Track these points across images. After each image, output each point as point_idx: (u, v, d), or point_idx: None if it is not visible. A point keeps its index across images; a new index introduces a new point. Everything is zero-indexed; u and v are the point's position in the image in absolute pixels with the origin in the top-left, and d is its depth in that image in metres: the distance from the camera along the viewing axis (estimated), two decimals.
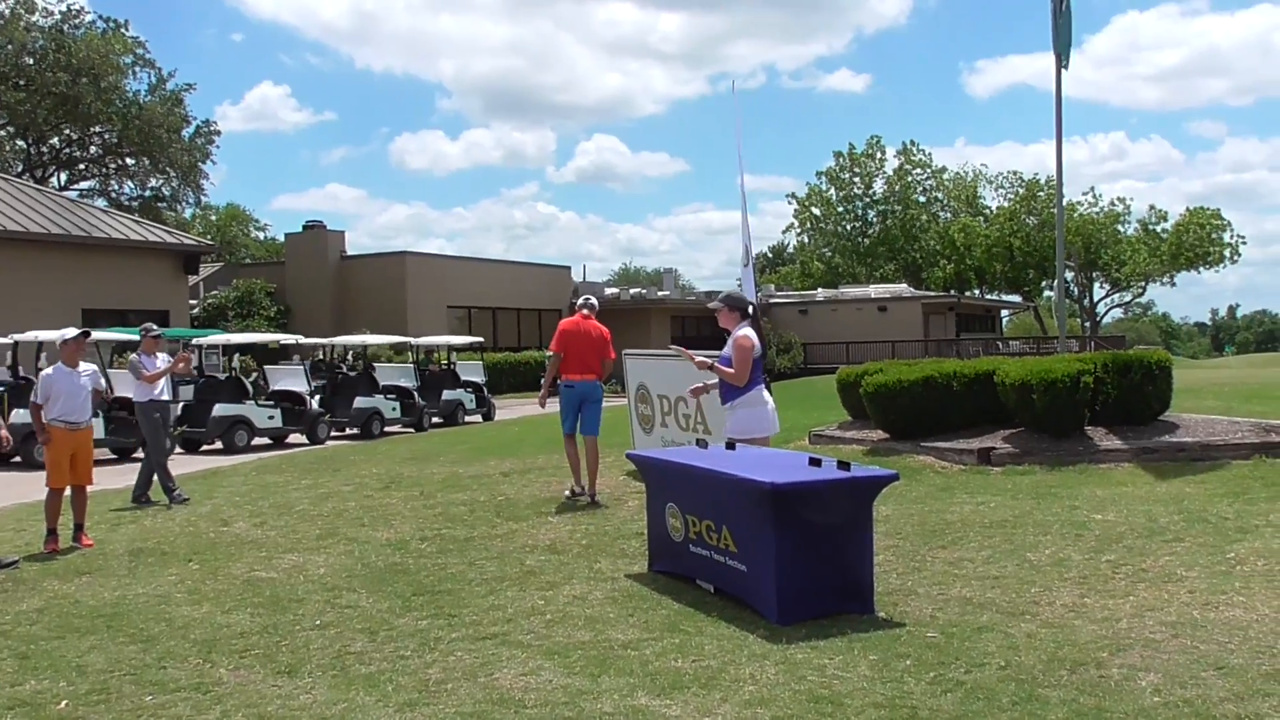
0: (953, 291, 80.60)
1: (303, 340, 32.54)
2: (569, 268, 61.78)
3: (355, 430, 28.27)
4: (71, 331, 11.97)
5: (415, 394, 30.14)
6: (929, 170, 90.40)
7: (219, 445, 24.25)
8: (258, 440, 25.28)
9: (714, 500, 8.39)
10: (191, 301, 43.98)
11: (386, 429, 28.77)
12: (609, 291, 62.60)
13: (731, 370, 9.96)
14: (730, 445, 9.70)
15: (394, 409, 29.28)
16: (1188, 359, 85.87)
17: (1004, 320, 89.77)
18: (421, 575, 9.60)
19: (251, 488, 15.69)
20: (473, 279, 52.55)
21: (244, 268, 61.95)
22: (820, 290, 73.65)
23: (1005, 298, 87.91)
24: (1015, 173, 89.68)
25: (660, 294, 64.14)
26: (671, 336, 58.09)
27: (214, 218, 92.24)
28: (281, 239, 65.79)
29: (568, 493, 13.30)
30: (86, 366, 12.28)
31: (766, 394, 10.20)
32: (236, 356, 27.66)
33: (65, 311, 31.98)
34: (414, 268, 50.10)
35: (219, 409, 24.10)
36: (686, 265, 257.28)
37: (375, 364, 33.37)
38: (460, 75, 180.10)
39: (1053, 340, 56.06)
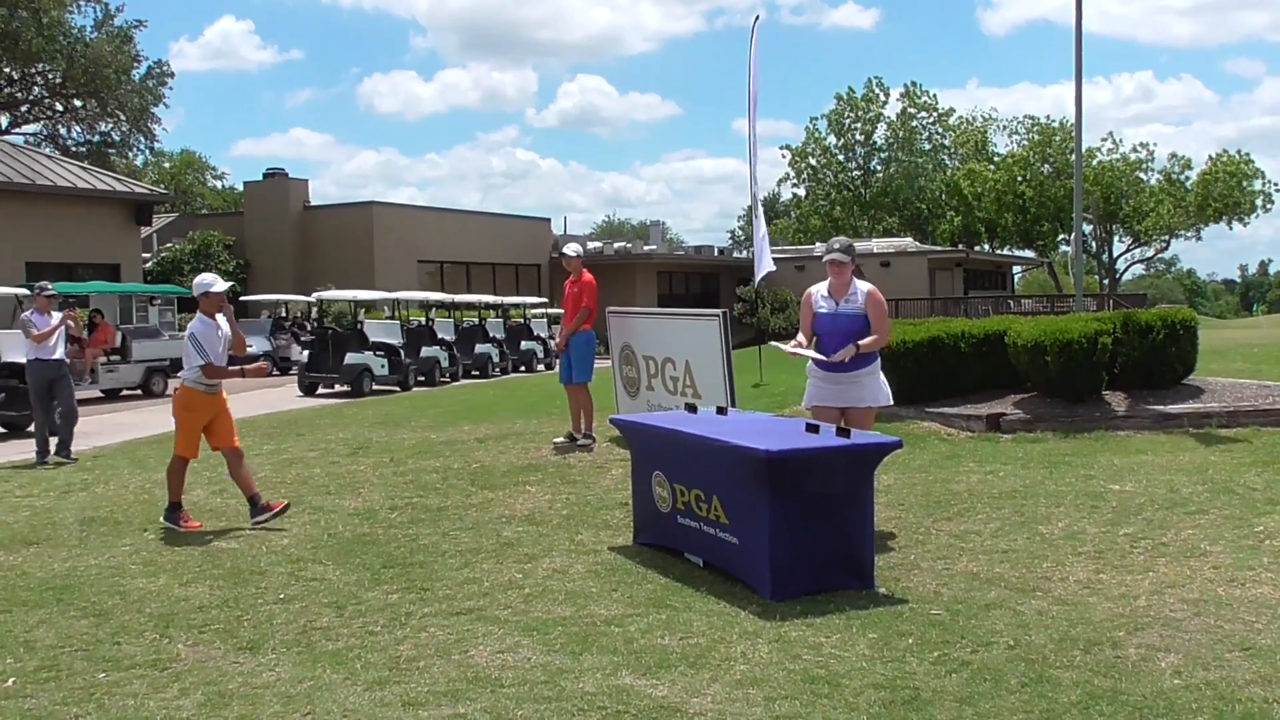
0: (961, 246, 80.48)
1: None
2: (548, 220, 61.80)
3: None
4: (220, 285, 11.08)
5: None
6: (935, 114, 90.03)
7: None
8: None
9: (704, 468, 8.42)
10: (144, 254, 43.81)
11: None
12: (592, 245, 62.55)
13: (877, 336, 9.18)
14: (722, 411, 9.72)
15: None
16: (1214, 318, 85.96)
17: (1016, 277, 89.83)
18: (392, 547, 9.63)
19: (209, 453, 15.65)
20: (445, 231, 52.41)
21: (200, 218, 61.67)
22: (819, 245, 73.53)
23: (1017, 253, 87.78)
24: (1029, 117, 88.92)
25: (647, 248, 64.05)
26: (658, 294, 58.14)
27: (167, 165, 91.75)
28: (240, 188, 65.50)
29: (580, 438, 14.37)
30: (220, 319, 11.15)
31: None
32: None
33: (8, 264, 31.90)
34: (382, 219, 49.94)
35: None
36: (675, 217, 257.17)
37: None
38: (435, 10, 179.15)
39: (1068, 298, 56.06)
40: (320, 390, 28.68)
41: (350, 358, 28.22)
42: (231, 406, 11.25)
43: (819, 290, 9.48)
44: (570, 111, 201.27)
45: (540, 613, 7.53)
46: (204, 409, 10.92)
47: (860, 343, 9.05)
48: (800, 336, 9.62)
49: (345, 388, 28.20)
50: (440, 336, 33.82)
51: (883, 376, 9.43)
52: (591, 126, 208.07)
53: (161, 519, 10.77)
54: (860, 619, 7.10)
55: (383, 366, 29.25)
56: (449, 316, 37.17)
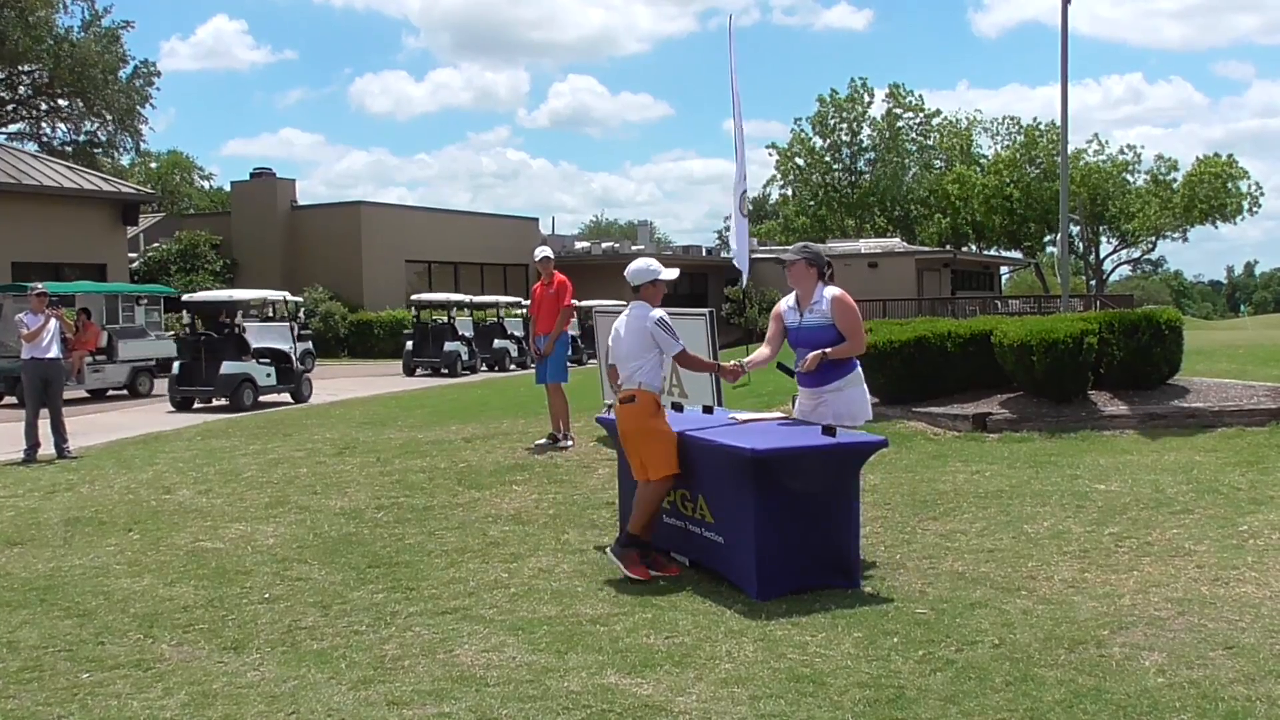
0: (948, 247, 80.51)
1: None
2: (536, 220, 61.72)
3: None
4: (668, 272, 9.01)
5: None
6: (921, 114, 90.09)
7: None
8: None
9: (690, 468, 8.41)
10: (131, 255, 43.69)
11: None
12: (580, 245, 62.52)
13: (848, 343, 8.39)
14: (708, 409, 9.71)
15: None
16: (1201, 319, 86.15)
17: (1003, 277, 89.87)
18: (377, 546, 9.63)
19: (196, 453, 15.66)
20: (433, 231, 52.35)
21: (187, 219, 61.55)
22: None
23: (1005, 253, 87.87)
24: (1013, 118, 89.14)
25: (635, 248, 64.05)
26: None
27: (154, 165, 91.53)
28: (228, 188, 65.39)
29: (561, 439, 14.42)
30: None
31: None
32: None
33: None
34: (370, 219, 49.88)
35: (227, 367, 24.51)
36: (665, 218, 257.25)
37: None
38: (428, 10, 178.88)
39: (1055, 299, 56.15)
40: (419, 372, 35.03)
41: (448, 346, 35.07)
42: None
43: (787, 301, 8.78)
44: (561, 111, 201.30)
45: (526, 612, 7.53)
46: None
47: (828, 350, 8.34)
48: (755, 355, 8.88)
49: (445, 370, 34.69)
50: (510, 331, 39.46)
51: (859, 389, 8.60)
52: (583, 127, 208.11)
53: (620, 567, 8.38)
54: (845, 618, 7.10)
55: (467, 353, 35.64)
56: (515, 315, 41.72)
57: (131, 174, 75.01)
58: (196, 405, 24.64)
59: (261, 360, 25.29)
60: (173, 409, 24.31)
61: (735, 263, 18.84)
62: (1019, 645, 6.48)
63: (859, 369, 8.64)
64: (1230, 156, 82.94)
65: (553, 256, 14.76)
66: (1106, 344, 13.78)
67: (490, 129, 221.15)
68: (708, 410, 9.67)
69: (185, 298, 27.71)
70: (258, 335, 27.31)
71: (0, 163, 34.97)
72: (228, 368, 24.19)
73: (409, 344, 36.00)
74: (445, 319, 36.93)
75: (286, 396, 25.60)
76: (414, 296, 39.55)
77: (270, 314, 37.96)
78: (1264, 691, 5.71)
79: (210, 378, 24.27)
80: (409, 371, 35.12)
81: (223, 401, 24.14)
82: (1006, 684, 5.90)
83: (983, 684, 5.90)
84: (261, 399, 24.76)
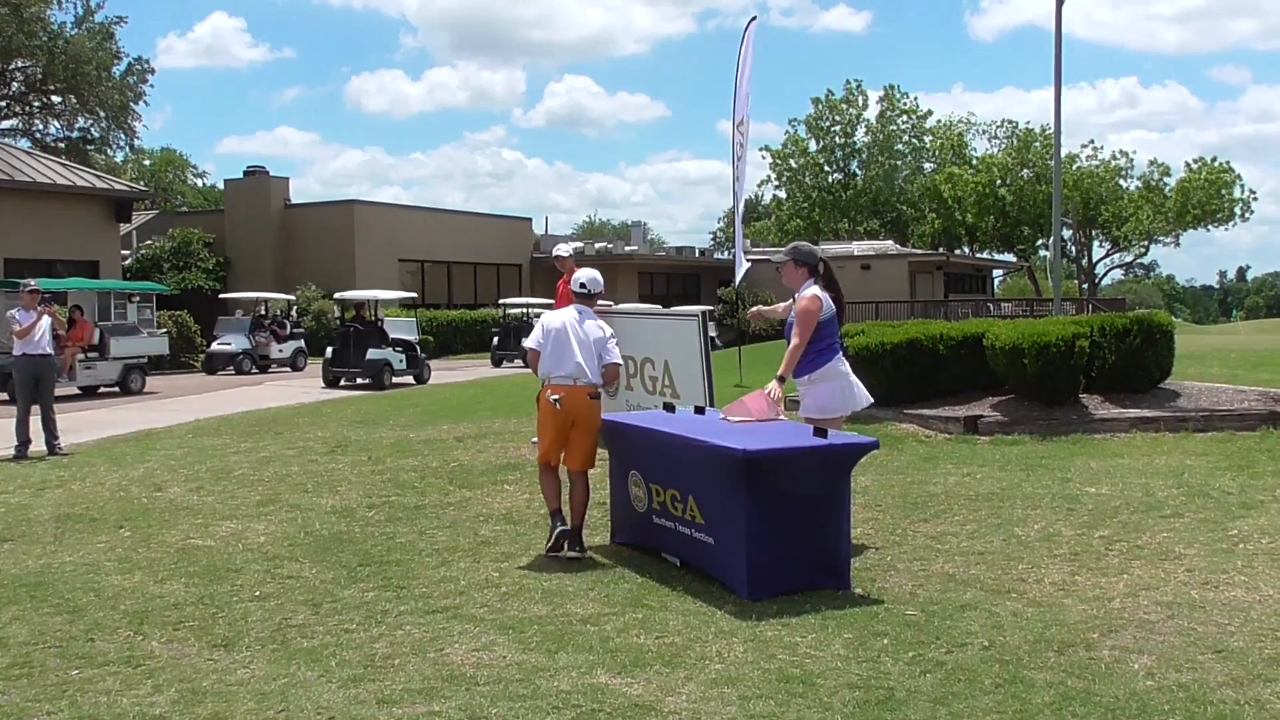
0: (941, 249, 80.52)
1: None
2: (530, 220, 61.69)
3: None
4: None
5: None
6: (914, 116, 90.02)
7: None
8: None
9: (680, 468, 8.42)
10: (124, 252, 43.62)
11: None
12: (573, 245, 62.49)
13: (796, 341, 8.71)
14: (699, 410, 9.71)
15: None
16: (1193, 324, 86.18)
17: (996, 281, 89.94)
18: (368, 545, 9.61)
19: (187, 451, 15.64)
20: (427, 230, 52.31)
21: (180, 216, 61.37)
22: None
23: (997, 257, 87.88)
24: (1009, 121, 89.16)
25: (628, 249, 64.03)
26: (639, 294, 58.09)
27: (148, 162, 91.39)
28: (221, 186, 65.30)
29: None
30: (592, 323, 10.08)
31: (845, 365, 9.00)
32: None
33: None
34: (363, 217, 49.82)
35: (371, 353, 29.98)
36: (659, 219, 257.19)
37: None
38: (426, 8, 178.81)
39: (1047, 302, 56.21)
40: (505, 364, 39.06)
41: (524, 342, 36.41)
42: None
43: None
44: (558, 111, 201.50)
45: (516, 611, 7.52)
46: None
47: (779, 373, 8.71)
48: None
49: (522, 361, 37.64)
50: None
51: (831, 385, 8.79)
52: (579, 127, 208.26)
53: (581, 553, 8.91)
54: (836, 619, 7.11)
55: None
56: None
57: (125, 171, 74.90)
58: (343, 384, 29.79)
59: (396, 349, 30.85)
60: (325, 385, 29.63)
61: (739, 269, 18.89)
62: (1009, 647, 6.48)
63: (835, 364, 8.82)
64: (1221, 162, 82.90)
65: (567, 255, 14.59)
66: (1098, 347, 13.82)
67: (486, 128, 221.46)
68: (699, 411, 9.68)
69: (338, 295, 35.55)
70: (391, 328, 32.19)
71: None
72: (372, 354, 29.85)
73: (495, 339, 41.72)
74: (524, 318, 41.62)
75: (410, 379, 31.02)
76: (501, 301, 46.32)
77: (263, 313, 38.06)
78: (1252, 695, 5.72)
79: (357, 361, 29.77)
80: (496, 364, 39.89)
81: (365, 381, 29.45)
82: (996, 686, 5.90)
83: (972, 686, 5.91)
84: (395, 379, 30.21)
